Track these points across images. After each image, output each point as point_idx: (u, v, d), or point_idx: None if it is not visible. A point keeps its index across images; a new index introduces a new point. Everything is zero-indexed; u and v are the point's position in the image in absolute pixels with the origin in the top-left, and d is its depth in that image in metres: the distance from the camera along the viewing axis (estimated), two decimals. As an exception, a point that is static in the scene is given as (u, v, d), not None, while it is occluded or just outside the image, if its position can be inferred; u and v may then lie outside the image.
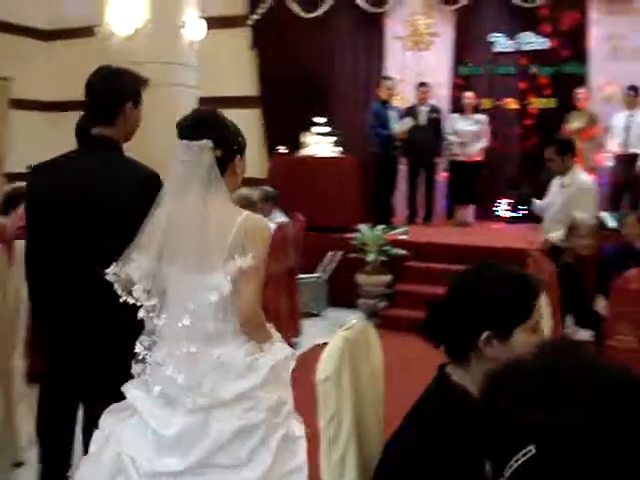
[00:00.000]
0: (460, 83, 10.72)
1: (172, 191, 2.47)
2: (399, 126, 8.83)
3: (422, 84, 9.81)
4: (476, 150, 9.59)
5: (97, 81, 2.84)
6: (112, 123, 2.80)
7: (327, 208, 8.62)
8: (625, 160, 8.88)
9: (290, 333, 6.34)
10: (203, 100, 10.12)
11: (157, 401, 2.41)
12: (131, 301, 2.41)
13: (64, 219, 2.65)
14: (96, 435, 2.48)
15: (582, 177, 5.97)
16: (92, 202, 2.63)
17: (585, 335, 4.82)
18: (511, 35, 10.44)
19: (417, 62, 10.91)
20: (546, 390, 1.03)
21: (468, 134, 9.56)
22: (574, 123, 9.28)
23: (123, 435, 2.41)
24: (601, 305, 5.22)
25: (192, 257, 2.38)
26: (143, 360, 2.47)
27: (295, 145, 9.31)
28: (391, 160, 8.96)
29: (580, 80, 9.88)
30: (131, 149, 2.98)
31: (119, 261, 2.41)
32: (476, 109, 9.80)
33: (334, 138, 9.35)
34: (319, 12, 11.06)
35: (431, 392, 1.79)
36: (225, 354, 2.41)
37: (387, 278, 7.56)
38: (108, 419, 2.49)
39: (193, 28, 8.97)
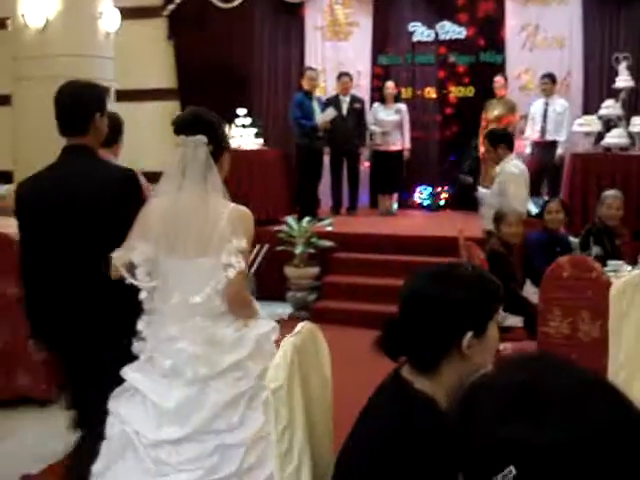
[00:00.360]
0: (380, 73, 10.76)
1: (169, 183, 2.74)
2: (322, 117, 8.80)
3: (343, 74, 9.78)
4: (398, 139, 9.62)
5: (65, 98, 3.13)
6: (85, 133, 3.06)
7: (252, 201, 8.47)
8: (543, 147, 9.06)
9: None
10: (120, 93, 9.86)
11: (156, 378, 2.68)
12: (135, 283, 2.66)
13: (51, 221, 2.94)
14: (109, 419, 2.74)
15: (509, 165, 6.16)
16: (75, 204, 2.90)
17: (515, 321, 4.89)
18: (430, 24, 10.53)
19: (337, 52, 10.92)
20: (525, 406, 0.99)
21: (390, 124, 9.59)
22: (493, 111, 9.43)
23: (126, 413, 2.69)
24: (529, 291, 5.32)
25: (192, 244, 2.66)
26: (143, 338, 2.75)
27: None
28: (315, 151, 8.91)
29: (497, 69, 10.05)
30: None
31: (122, 247, 2.68)
32: (397, 98, 9.83)
33: (256, 130, 9.24)
34: (237, 2, 10.91)
35: (388, 400, 1.71)
36: (218, 330, 2.69)
37: (315, 270, 7.54)
38: (114, 402, 2.75)
39: (109, 19, 8.70)
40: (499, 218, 5.32)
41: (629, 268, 5.25)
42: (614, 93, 8.43)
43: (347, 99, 9.57)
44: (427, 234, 8.07)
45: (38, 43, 8.23)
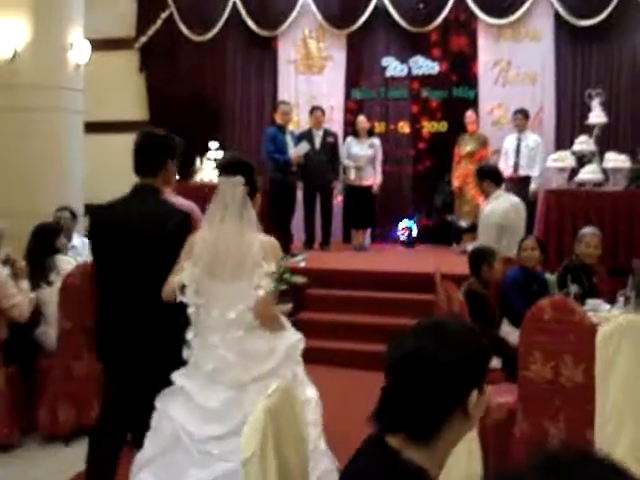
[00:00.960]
0: (353, 107, 10.73)
1: (212, 217, 3.27)
2: (295, 151, 8.70)
3: (316, 108, 9.73)
4: (372, 174, 9.55)
5: (143, 145, 3.72)
6: (155, 176, 3.64)
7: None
8: (516, 182, 9.03)
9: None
10: (89, 125, 9.72)
11: (201, 382, 3.20)
12: (184, 300, 3.18)
13: (117, 246, 3.50)
14: (155, 414, 3.26)
15: (488, 208, 6.22)
16: (138, 235, 3.46)
17: (494, 363, 4.77)
18: (403, 59, 10.54)
19: (310, 86, 10.88)
20: None
21: (363, 158, 9.52)
22: (465, 147, 9.42)
23: (175, 412, 3.18)
24: (506, 331, 5.22)
25: (229, 269, 3.19)
26: (191, 346, 3.27)
27: (188, 171, 9.01)
28: (288, 185, 8.81)
29: (470, 104, 10.06)
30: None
31: (174, 270, 3.25)
32: (370, 133, 9.79)
33: (228, 163, 9.13)
34: (210, 35, 10.86)
35: (372, 470, 1.55)
36: (251, 341, 3.20)
37: (288, 307, 7.35)
38: (161, 401, 3.27)
39: (79, 50, 8.58)
40: (482, 258, 5.24)
41: (608, 307, 5.20)
42: (587, 129, 8.44)
43: (320, 133, 9.50)
44: (402, 270, 7.97)
45: (7, 73, 8.10)
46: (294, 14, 10.58)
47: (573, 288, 5.29)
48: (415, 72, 10.51)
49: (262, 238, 3.28)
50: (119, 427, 3.62)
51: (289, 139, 8.84)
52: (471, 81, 10.34)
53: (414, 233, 10.20)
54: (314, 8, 10.48)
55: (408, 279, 7.59)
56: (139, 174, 3.66)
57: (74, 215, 7.31)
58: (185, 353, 3.30)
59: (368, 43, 10.70)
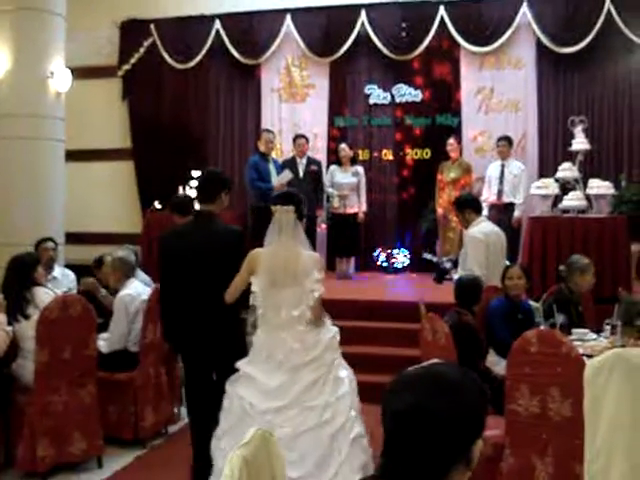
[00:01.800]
0: (337, 134, 10.72)
1: (271, 237, 4.14)
2: (279, 179, 8.64)
3: (299, 136, 9.70)
4: (356, 202, 9.52)
5: (205, 178, 4.81)
6: (213, 202, 4.51)
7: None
8: (500, 209, 9.04)
9: (172, 404, 5.94)
10: (71, 153, 9.65)
11: (262, 367, 4.05)
12: (256, 304, 4.16)
13: (183, 262, 4.40)
14: (225, 396, 4.14)
15: (472, 230, 6.16)
16: (201, 252, 4.35)
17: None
18: (386, 87, 10.56)
19: (293, 113, 10.87)
20: None
21: (347, 186, 9.49)
22: (448, 174, 9.41)
23: (242, 392, 4.05)
24: (492, 361, 5.15)
25: (287, 279, 4.06)
26: (257, 339, 4.18)
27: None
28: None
29: (453, 131, 10.07)
30: None
31: (237, 278, 4.18)
32: (354, 161, 9.77)
33: (211, 192, 9.05)
34: (193, 63, 10.84)
35: None
36: (307, 334, 4.07)
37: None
38: (230, 385, 4.15)
39: (60, 79, 8.52)
40: (473, 288, 5.21)
41: (594, 336, 5.14)
42: (570, 156, 8.45)
43: (304, 161, 9.46)
44: (387, 299, 7.90)
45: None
46: (277, 42, 10.59)
47: (559, 318, 5.23)
48: (398, 99, 10.53)
49: (309, 253, 4.20)
50: (203, 406, 4.52)
51: (272, 167, 8.80)
52: (454, 108, 10.37)
53: (399, 261, 10.15)
54: (297, 36, 10.50)
55: (393, 308, 7.53)
56: (201, 202, 4.60)
57: (56, 245, 7.22)
58: (255, 344, 4.18)
59: (351, 71, 10.72)
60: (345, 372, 4.20)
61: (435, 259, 8.81)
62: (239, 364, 4.14)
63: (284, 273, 4.05)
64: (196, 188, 4.72)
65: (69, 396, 4.91)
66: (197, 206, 4.78)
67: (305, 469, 3.79)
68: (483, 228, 6.26)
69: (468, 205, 6.30)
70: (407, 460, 1.49)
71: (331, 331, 4.23)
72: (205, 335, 4.39)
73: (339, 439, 3.92)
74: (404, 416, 1.50)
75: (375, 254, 10.31)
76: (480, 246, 6.05)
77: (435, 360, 2.13)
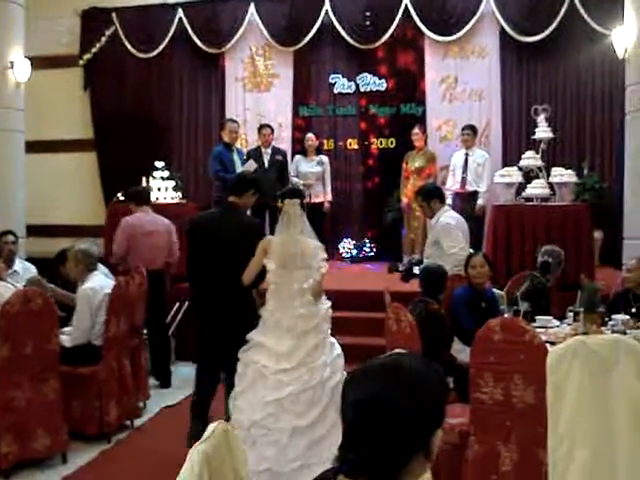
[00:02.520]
0: (301, 124, 10.70)
1: (282, 226, 4.81)
2: (243, 169, 8.57)
3: (264, 126, 9.64)
4: (321, 191, 9.52)
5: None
6: (240, 197, 5.29)
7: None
8: (464, 197, 9.08)
9: (136, 397, 5.89)
10: (32, 144, 9.51)
11: (271, 336, 4.68)
12: (269, 281, 4.78)
13: (210, 244, 5.15)
14: (239, 363, 4.76)
15: (442, 218, 6.19)
16: (224, 237, 5.11)
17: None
18: (350, 76, 10.54)
19: (258, 103, 10.82)
20: None
21: (312, 176, 9.48)
22: (413, 163, 9.42)
23: (256, 357, 4.67)
24: (456, 349, 5.18)
25: (296, 261, 4.74)
26: (269, 310, 4.78)
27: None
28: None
29: (418, 120, 10.08)
30: None
31: (252, 262, 4.84)
32: (319, 150, 9.74)
33: (174, 183, 8.96)
34: (155, 52, 10.72)
35: None
36: (311, 305, 4.74)
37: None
38: (243, 353, 4.77)
39: (19, 69, 8.38)
40: (440, 276, 5.23)
41: (557, 323, 5.20)
42: (533, 144, 8.51)
43: (269, 151, 9.40)
44: (352, 288, 7.89)
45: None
46: (241, 31, 10.52)
47: (523, 305, 5.28)
48: (363, 89, 10.54)
49: (313, 241, 4.86)
50: (214, 368, 5.33)
51: (236, 157, 8.72)
52: (418, 98, 10.40)
53: (364, 250, 10.16)
54: (261, 25, 10.43)
55: (358, 297, 7.53)
56: (232, 195, 5.33)
57: (17, 238, 7.11)
58: (265, 316, 4.77)
59: (315, 60, 10.70)
60: (332, 339, 4.89)
61: (403, 266, 8.80)
62: (250, 335, 4.78)
63: (293, 258, 4.74)
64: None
65: (32, 392, 4.84)
66: (230, 198, 5.36)
67: (310, 419, 4.47)
68: (452, 215, 6.31)
69: (434, 195, 6.33)
70: (366, 451, 1.48)
71: (326, 304, 4.89)
72: (226, 308, 5.12)
73: (337, 392, 4.21)
74: (364, 406, 1.49)
75: (340, 243, 10.31)
76: (455, 231, 6.12)
77: (398, 350, 2.13)
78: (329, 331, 4.85)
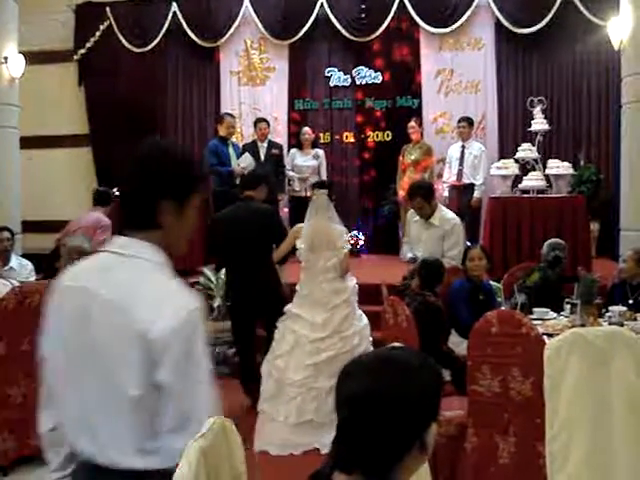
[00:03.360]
0: (297, 118, 10.67)
1: (311, 213, 5.57)
2: (238, 162, 8.53)
3: (260, 120, 9.62)
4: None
5: (252, 173, 7.20)
6: (254, 190, 6.06)
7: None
8: (460, 190, 9.07)
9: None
10: (27, 140, 9.48)
11: (309, 307, 5.38)
12: (300, 258, 5.56)
13: (235, 233, 5.88)
14: (277, 331, 5.47)
15: (449, 215, 6.23)
16: (246, 225, 5.83)
17: (443, 374, 4.72)
18: (346, 69, 10.52)
19: (253, 97, 10.79)
20: None
21: (308, 169, 9.46)
22: (409, 156, 9.41)
23: (294, 327, 5.36)
24: (454, 341, 5.18)
25: (323, 245, 5.46)
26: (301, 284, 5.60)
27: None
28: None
29: (414, 113, 10.07)
30: None
31: (284, 244, 5.82)
32: (314, 144, 9.73)
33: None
34: (150, 46, 10.68)
35: None
36: (339, 281, 5.49)
37: (227, 324, 7.24)
38: (281, 322, 5.47)
39: (14, 64, 8.34)
40: (438, 268, 5.23)
41: (554, 315, 5.20)
42: (529, 136, 8.50)
43: (265, 145, 9.39)
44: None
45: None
46: (235, 25, 10.48)
47: (520, 297, 5.28)
48: (359, 82, 10.52)
49: (338, 226, 5.64)
50: (248, 331, 6.09)
51: (231, 151, 8.68)
52: (414, 90, 10.38)
53: (361, 243, 10.15)
54: (256, 18, 10.39)
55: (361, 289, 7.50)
56: (244, 189, 6.15)
57: (12, 235, 7.09)
58: (298, 289, 5.55)
59: (311, 53, 10.67)
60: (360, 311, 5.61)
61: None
62: (288, 307, 5.52)
63: (320, 241, 5.47)
64: (242, 179, 6.67)
65: (28, 388, 4.82)
66: (246, 192, 6.10)
67: None
68: (451, 213, 6.40)
69: (432, 192, 6.34)
70: (360, 446, 1.47)
71: (353, 280, 5.63)
72: (255, 283, 5.80)
73: None
74: (357, 401, 1.48)
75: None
76: (461, 232, 6.26)
77: (394, 344, 2.12)
78: (356, 303, 5.55)
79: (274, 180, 8.54)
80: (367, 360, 1.58)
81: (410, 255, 6.40)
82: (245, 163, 8.45)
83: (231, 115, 9.26)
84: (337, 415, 1.52)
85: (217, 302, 7.06)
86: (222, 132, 8.70)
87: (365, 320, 5.53)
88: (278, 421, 5.17)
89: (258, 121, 9.60)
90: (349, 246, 5.66)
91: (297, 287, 5.58)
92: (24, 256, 7.39)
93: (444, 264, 5.39)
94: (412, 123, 9.50)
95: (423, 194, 6.17)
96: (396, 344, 2.14)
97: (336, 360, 5.07)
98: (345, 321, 5.36)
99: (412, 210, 6.43)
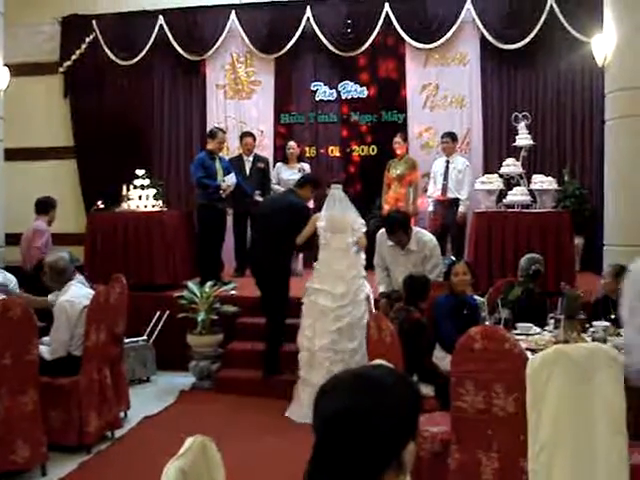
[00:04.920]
0: (283, 132, 10.69)
1: (329, 204, 6.52)
2: (225, 180, 8.50)
3: (246, 134, 9.63)
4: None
5: (303, 176, 8.15)
6: (300, 188, 7.03)
7: (152, 265, 8.17)
8: (445, 205, 9.08)
9: (117, 408, 5.84)
10: (11, 151, 9.43)
11: (330, 282, 6.25)
12: (321, 240, 6.44)
13: (267, 218, 6.85)
14: (304, 305, 6.43)
15: (426, 238, 6.47)
16: (280, 215, 6.70)
17: (427, 390, 4.72)
18: (331, 84, 10.55)
19: (239, 110, 10.81)
20: None
21: (293, 183, 9.37)
22: (395, 170, 9.41)
23: (317, 299, 6.24)
24: (438, 356, 5.18)
25: (340, 229, 6.36)
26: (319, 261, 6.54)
27: (115, 199, 8.78)
28: (218, 211, 8.58)
29: (399, 128, 10.10)
30: None
31: (306, 228, 6.58)
32: (300, 158, 9.74)
33: (155, 190, 8.90)
34: (136, 59, 10.68)
35: None
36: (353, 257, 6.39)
37: (219, 337, 7.21)
38: (306, 297, 6.41)
39: (-2, 76, 8.32)
40: (424, 285, 5.26)
41: (538, 330, 5.20)
42: (514, 151, 8.54)
43: (250, 159, 9.40)
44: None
45: None
46: (222, 38, 10.52)
47: (504, 313, 5.29)
48: (344, 96, 10.56)
49: (353, 213, 6.50)
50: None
51: (218, 165, 8.64)
52: (400, 105, 10.42)
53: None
54: (242, 33, 10.44)
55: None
56: (295, 186, 7.13)
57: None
58: (317, 266, 6.45)
59: (297, 68, 10.71)
60: (367, 288, 6.40)
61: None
62: (309, 284, 6.43)
63: (338, 224, 6.39)
64: (300, 181, 7.31)
65: (10, 403, 4.78)
66: (294, 187, 7.14)
67: (357, 341, 6.00)
68: (428, 234, 6.72)
69: (409, 222, 6.65)
70: (336, 465, 1.45)
71: (363, 255, 6.43)
72: (271, 263, 6.69)
73: (364, 322, 5.79)
74: (334, 419, 1.47)
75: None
76: (439, 252, 6.65)
77: (377, 361, 2.11)
78: (364, 272, 6.41)
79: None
80: (343, 379, 1.56)
81: (382, 289, 6.51)
82: (230, 182, 8.44)
83: (223, 131, 9.20)
84: (315, 434, 1.51)
85: (201, 316, 7.02)
86: (211, 146, 8.63)
87: (368, 288, 6.40)
88: (312, 384, 5.90)
89: (244, 135, 9.61)
90: (365, 227, 6.43)
91: (315, 265, 6.47)
92: (7, 269, 7.33)
93: (429, 281, 5.41)
94: (397, 138, 9.51)
95: (403, 228, 6.37)
96: (377, 361, 2.13)
97: (353, 325, 6.11)
98: (359, 289, 6.23)
99: (382, 231, 6.55)
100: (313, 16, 10.16)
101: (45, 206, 8.06)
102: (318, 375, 5.96)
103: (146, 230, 8.26)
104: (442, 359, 5.05)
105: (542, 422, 2.92)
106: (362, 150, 10.52)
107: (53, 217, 8.10)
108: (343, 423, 1.45)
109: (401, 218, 6.54)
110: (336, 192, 6.57)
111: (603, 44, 7.89)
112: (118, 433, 5.77)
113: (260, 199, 8.81)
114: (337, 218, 6.42)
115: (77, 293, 5.46)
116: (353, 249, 6.32)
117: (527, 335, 5.00)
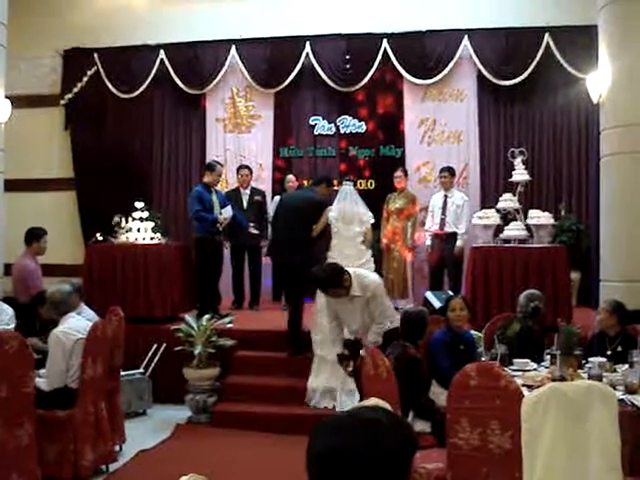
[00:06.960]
0: (282, 165, 10.77)
1: (339, 198, 7.68)
2: (222, 212, 8.52)
3: (243, 167, 9.71)
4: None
5: (319, 175, 9.21)
6: (318, 185, 7.79)
7: (149, 297, 8.17)
8: (443, 239, 9.12)
9: (112, 441, 5.81)
10: (13, 183, 9.47)
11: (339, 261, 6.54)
12: (334, 229, 7.55)
13: (288, 211, 7.56)
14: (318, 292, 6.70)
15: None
16: (297, 206, 7.52)
17: (423, 426, 4.71)
18: (330, 118, 10.65)
19: (238, 144, 10.88)
20: None
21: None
22: (393, 204, 9.47)
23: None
24: (435, 392, 5.17)
25: (351, 220, 7.53)
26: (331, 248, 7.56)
27: (114, 231, 8.80)
28: (216, 244, 8.60)
29: (397, 162, 10.18)
30: None
31: (321, 220, 7.50)
32: (298, 191, 9.80)
33: (154, 223, 8.92)
34: (137, 92, 10.78)
35: None
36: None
37: (215, 371, 7.19)
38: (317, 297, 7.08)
39: (0, 108, 8.37)
40: (422, 321, 5.26)
41: (534, 366, 5.21)
42: (511, 186, 8.60)
43: (247, 192, 9.47)
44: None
45: None
46: (222, 73, 10.63)
47: (500, 348, 5.29)
48: (343, 131, 10.66)
49: (361, 207, 7.58)
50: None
51: (215, 198, 8.66)
52: (398, 140, 10.52)
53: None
54: (242, 67, 10.55)
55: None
56: (313, 185, 8.06)
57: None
58: (330, 253, 7.34)
59: (296, 102, 10.81)
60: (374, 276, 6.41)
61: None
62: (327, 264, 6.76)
63: (348, 214, 7.39)
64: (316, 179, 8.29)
65: (6, 435, 4.77)
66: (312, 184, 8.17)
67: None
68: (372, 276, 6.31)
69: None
70: None
71: (370, 252, 7.52)
72: (295, 250, 7.26)
73: None
74: (327, 459, 1.45)
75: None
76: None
77: (372, 400, 2.12)
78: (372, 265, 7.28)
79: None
80: (337, 418, 1.56)
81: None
82: (227, 214, 8.47)
83: (221, 164, 9.25)
84: (307, 474, 1.50)
85: (198, 349, 7.01)
86: (208, 179, 8.63)
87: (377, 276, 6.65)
88: (328, 360, 6.66)
89: (240, 168, 9.71)
90: (373, 220, 7.60)
91: (328, 253, 7.35)
92: (5, 301, 7.33)
93: (426, 317, 5.40)
94: (399, 172, 9.58)
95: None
96: (372, 400, 2.15)
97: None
98: (368, 272, 6.42)
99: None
100: (312, 52, 10.29)
101: (30, 237, 7.98)
102: (329, 349, 6.54)
103: (144, 262, 8.27)
104: (439, 394, 5.04)
105: (537, 460, 2.92)
106: (360, 184, 10.57)
107: (41, 248, 7.98)
108: (337, 462, 1.44)
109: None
110: (347, 187, 7.71)
111: (598, 81, 7.98)
112: (113, 467, 5.72)
113: (256, 232, 8.88)
114: (347, 210, 7.50)
115: (74, 325, 5.46)
116: (359, 239, 7.39)
117: (523, 371, 5.01)
